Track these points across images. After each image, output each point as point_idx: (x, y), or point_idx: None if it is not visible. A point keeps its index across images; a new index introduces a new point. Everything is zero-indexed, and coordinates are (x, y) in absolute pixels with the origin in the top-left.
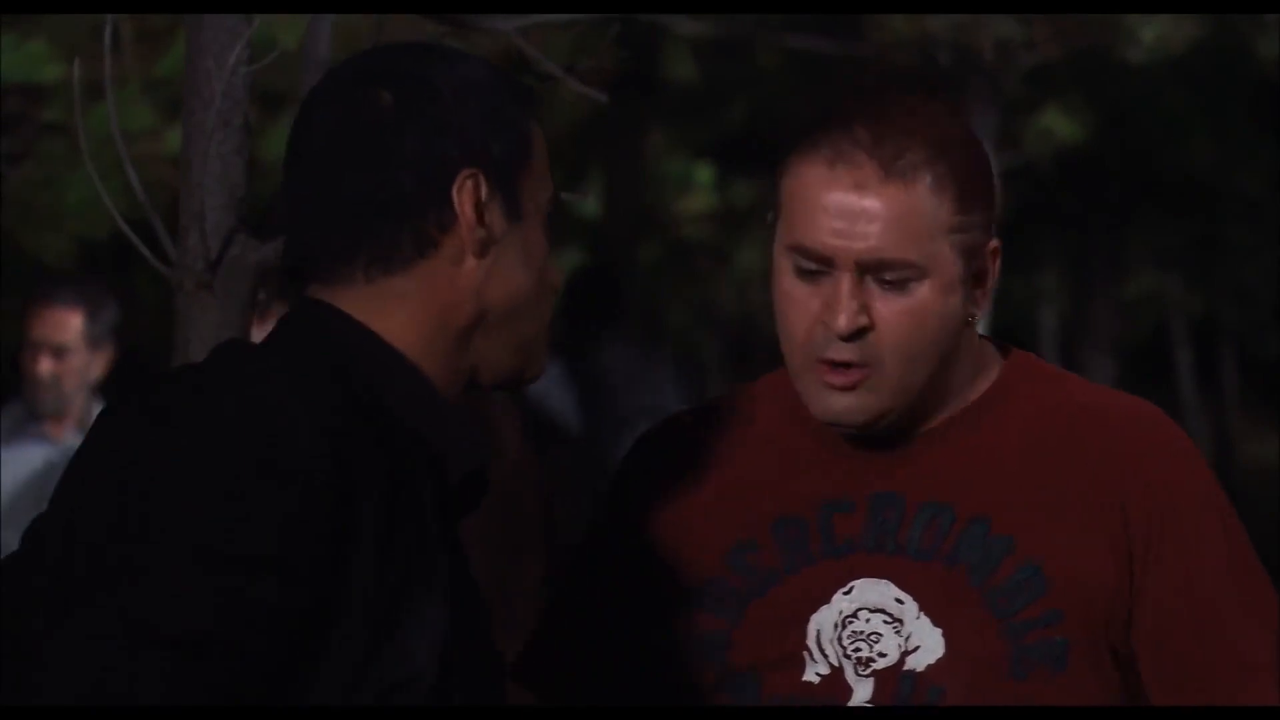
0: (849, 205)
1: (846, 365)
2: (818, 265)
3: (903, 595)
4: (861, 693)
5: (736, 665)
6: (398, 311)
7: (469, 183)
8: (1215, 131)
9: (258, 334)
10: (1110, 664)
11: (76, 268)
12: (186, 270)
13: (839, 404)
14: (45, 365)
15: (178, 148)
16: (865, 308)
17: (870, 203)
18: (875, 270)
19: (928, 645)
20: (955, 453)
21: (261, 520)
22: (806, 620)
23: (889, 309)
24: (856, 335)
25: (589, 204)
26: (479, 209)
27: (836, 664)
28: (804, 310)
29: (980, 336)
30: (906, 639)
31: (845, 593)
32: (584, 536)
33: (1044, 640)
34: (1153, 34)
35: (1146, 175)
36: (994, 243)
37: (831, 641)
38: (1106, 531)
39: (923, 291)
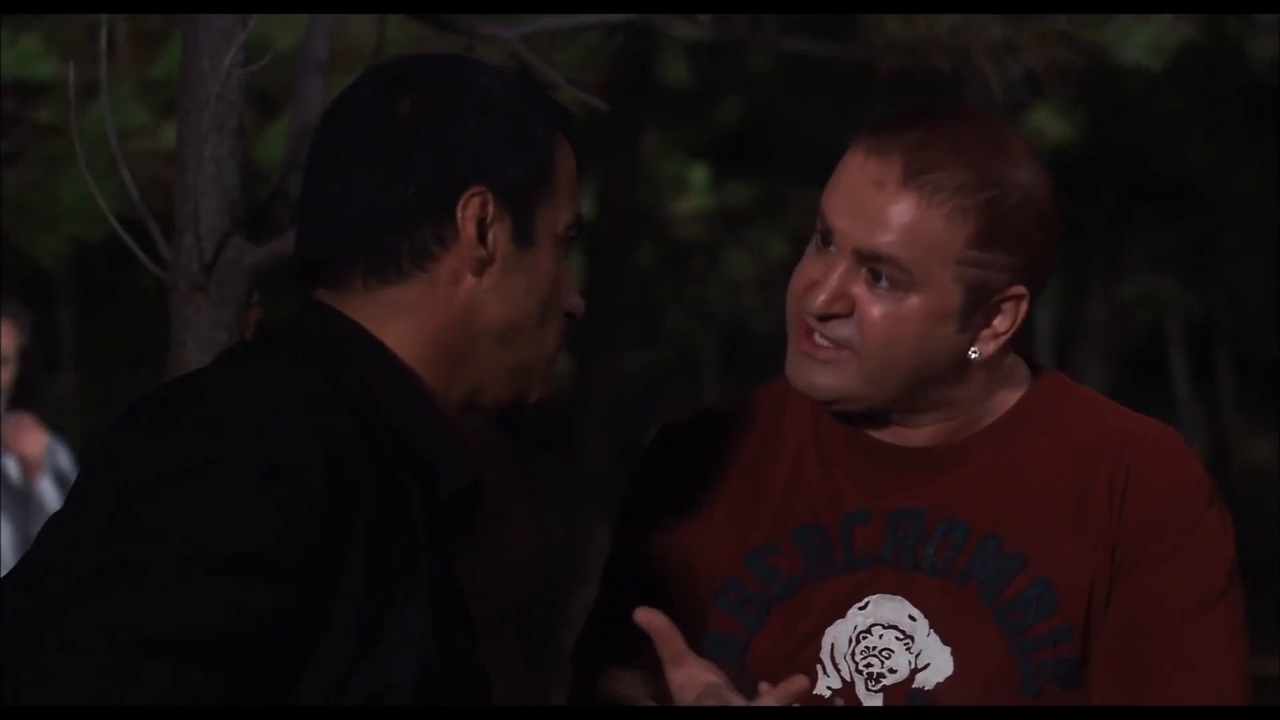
0: (863, 196)
1: (818, 337)
2: (829, 238)
3: (915, 612)
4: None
5: (752, 670)
6: (396, 322)
7: (474, 200)
8: (1210, 133)
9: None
10: None
11: (72, 269)
12: (181, 272)
13: (808, 375)
14: (5, 375)
15: (173, 149)
16: (849, 295)
17: (882, 200)
18: (870, 262)
19: (937, 663)
20: (973, 471)
21: (256, 523)
22: (823, 632)
23: (872, 306)
24: (831, 317)
25: (584, 205)
26: (481, 228)
27: (848, 679)
28: (807, 272)
29: (1014, 353)
30: (917, 656)
31: (861, 607)
32: (615, 527)
33: (1054, 657)
34: (1144, 36)
35: (1140, 177)
36: (1018, 289)
37: (845, 656)
38: (1106, 550)
39: (910, 304)
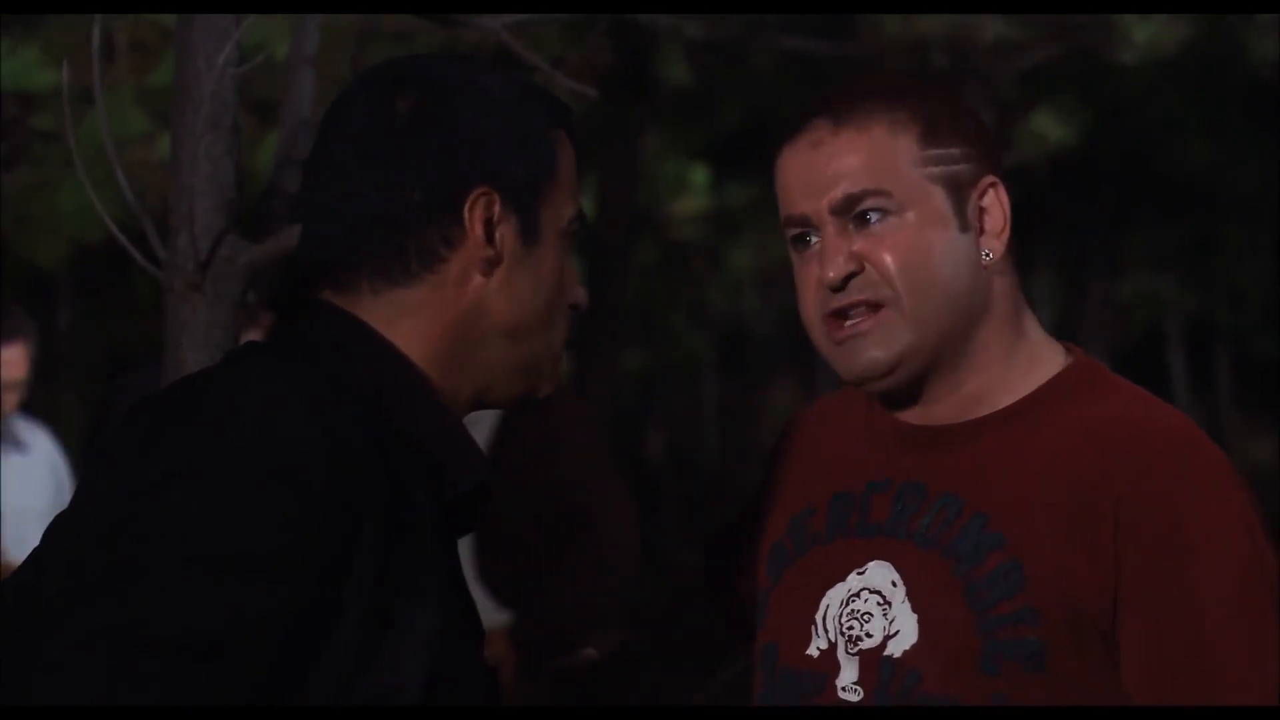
0: (809, 161)
1: (851, 312)
2: (802, 229)
3: (898, 578)
4: (848, 672)
5: (769, 627)
6: (403, 323)
7: (481, 201)
8: (1209, 133)
9: (245, 337)
10: (1103, 672)
11: (71, 272)
12: (176, 271)
13: (859, 357)
14: (10, 401)
15: (169, 154)
16: (853, 255)
17: (826, 155)
18: (849, 210)
19: (906, 630)
20: (981, 450)
21: (258, 524)
22: (824, 594)
23: (877, 245)
24: (849, 280)
25: (583, 205)
26: (489, 228)
27: (833, 640)
28: (806, 281)
29: (1047, 337)
30: (890, 622)
31: (860, 572)
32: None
33: (1016, 639)
34: (1145, 35)
35: (1141, 177)
36: (988, 178)
37: (834, 618)
38: (1095, 539)
39: (907, 223)
